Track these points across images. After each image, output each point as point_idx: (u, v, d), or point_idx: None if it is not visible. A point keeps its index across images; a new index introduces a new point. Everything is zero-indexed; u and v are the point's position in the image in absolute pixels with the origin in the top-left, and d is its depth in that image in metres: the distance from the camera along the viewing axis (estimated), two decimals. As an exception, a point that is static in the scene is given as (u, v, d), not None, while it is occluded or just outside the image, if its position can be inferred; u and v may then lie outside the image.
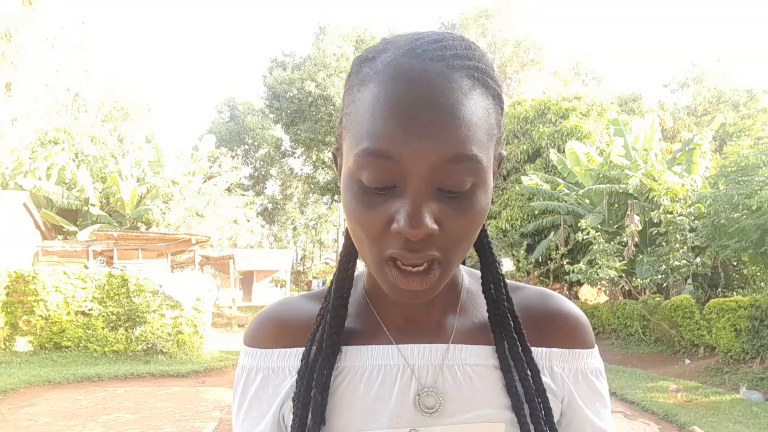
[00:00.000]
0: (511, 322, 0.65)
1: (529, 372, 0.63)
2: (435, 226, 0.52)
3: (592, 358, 0.69)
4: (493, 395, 0.63)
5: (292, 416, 0.63)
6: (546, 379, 0.65)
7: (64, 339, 10.87)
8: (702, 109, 30.63)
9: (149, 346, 11.11)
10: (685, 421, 6.55)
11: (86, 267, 13.66)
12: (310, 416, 0.61)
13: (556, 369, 0.67)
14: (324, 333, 0.64)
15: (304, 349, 0.66)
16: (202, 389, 8.81)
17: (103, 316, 11.13)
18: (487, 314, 0.66)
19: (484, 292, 0.67)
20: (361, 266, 0.69)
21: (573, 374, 0.67)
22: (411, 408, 0.62)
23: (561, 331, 0.68)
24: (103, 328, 11.08)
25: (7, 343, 10.81)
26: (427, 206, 0.52)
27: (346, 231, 0.66)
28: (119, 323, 11.19)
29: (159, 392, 8.48)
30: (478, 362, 0.64)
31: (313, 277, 37.28)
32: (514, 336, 0.64)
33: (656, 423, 6.84)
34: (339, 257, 0.68)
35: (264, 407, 0.66)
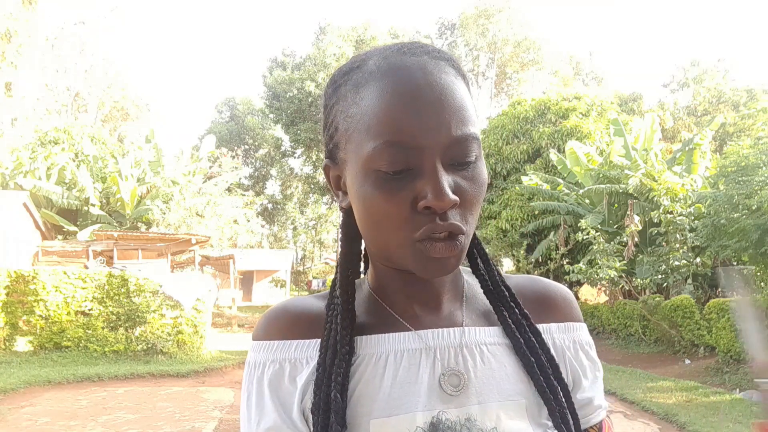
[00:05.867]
0: (510, 301, 0.69)
1: (539, 348, 0.67)
2: (456, 197, 0.57)
3: (584, 331, 0.74)
4: (511, 373, 0.66)
5: (312, 420, 0.62)
6: (552, 352, 0.69)
7: (64, 339, 10.86)
8: (702, 109, 30.63)
9: (149, 346, 11.10)
10: (685, 421, 6.54)
11: (86, 267, 13.66)
12: (332, 418, 0.60)
13: (557, 341, 0.71)
14: (337, 335, 0.64)
15: (319, 341, 0.66)
16: (202, 389, 8.81)
17: (103, 316, 11.12)
18: (487, 299, 0.71)
19: (477, 276, 0.71)
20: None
21: (573, 345, 0.72)
22: (437, 390, 0.63)
23: (554, 308, 0.73)
24: (103, 328, 11.08)
25: (7, 343, 10.80)
26: (446, 180, 0.57)
27: (343, 235, 0.69)
28: (119, 323, 11.19)
29: (159, 392, 8.48)
30: (492, 341, 0.67)
31: (313, 277, 37.29)
32: (517, 315, 0.68)
33: (656, 423, 6.84)
34: (339, 263, 0.69)
35: (286, 399, 0.64)
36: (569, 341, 0.71)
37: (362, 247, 0.72)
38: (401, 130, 0.56)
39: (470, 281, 0.73)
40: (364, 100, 0.59)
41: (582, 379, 0.70)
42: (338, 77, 0.65)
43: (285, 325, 0.68)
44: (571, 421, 0.64)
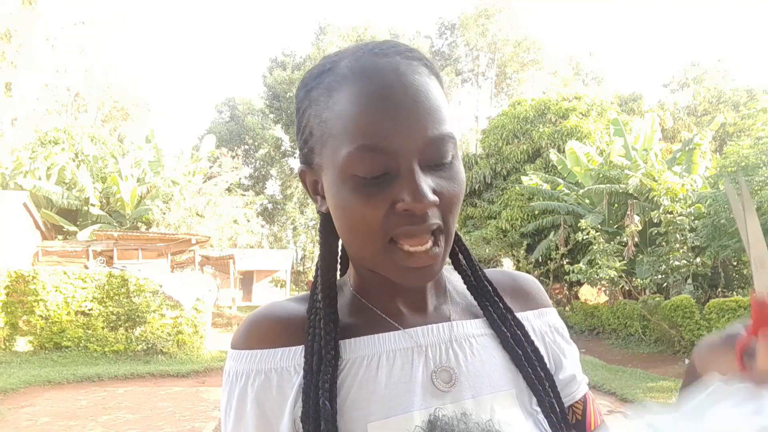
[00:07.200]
0: (494, 296, 0.71)
1: (521, 337, 0.69)
2: (436, 198, 0.56)
3: (554, 315, 0.78)
4: (500, 363, 0.67)
5: (303, 430, 0.60)
6: (536, 344, 0.71)
7: (64, 339, 10.87)
8: (702, 109, 30.66)
9: (149, 346, 11.10)
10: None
11: (86, 267, 13.66)
12: (323, 426, 0.58)
13: (536, 328, 0.74)
14: (321, 340, 0.62)
15: (304, 347, 0.64)
16: (202, 389, 8.81)
17: (103, 316, 11.13)
18: (469, 293, 0.72)
19: (459, 272, 0.73)
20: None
21: (549, 329, 0.75)
22: (431, 387, 0.63)
23: (528, 296, 0.77)
24: (103, 328, 11.08)
25: (7, 343, 10.81)
26: (424, 181, 0.56)
27: (321, 238, 0.69)
28: (119, 323, 11.19)
29: (159, 392, 8.48)
30: (480, 333, 0.69)
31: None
32: (502, 310, 0.70)
33: (656, 423, 6.83)
34: (319, 265, 0.68)
35: (274, 412, 0.61)
36: (546, 326, 0.75)
37: (339, 248, 0.71)
38: (375, 133, 0.55)
39: (449, 276, 0.74)
40: (338, 105, 0.58)
41: (563, 360, 0.73)
42: (309, 80, 0.63)
43: (268, 332, 0.65)
44: (558, 409, 0.67)
